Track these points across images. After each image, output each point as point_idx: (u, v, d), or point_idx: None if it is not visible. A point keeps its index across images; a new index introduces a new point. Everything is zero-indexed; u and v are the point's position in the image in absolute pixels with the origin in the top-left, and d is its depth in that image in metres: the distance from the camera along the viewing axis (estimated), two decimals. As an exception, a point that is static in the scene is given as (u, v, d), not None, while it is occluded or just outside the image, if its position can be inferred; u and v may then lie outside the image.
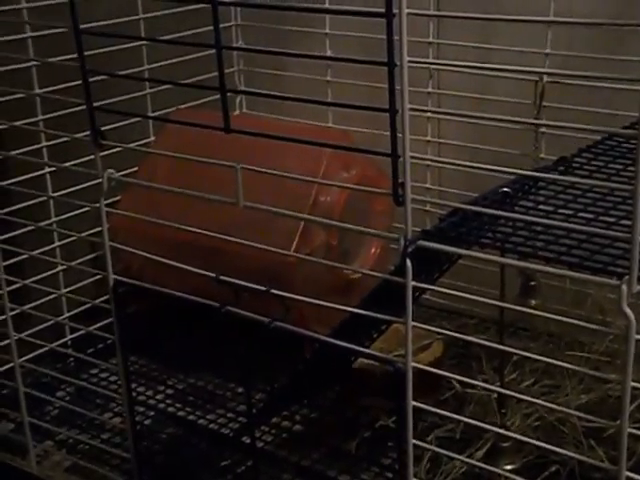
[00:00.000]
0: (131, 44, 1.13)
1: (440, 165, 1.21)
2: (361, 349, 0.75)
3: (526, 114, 1.11)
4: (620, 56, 1.03)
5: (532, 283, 1.12)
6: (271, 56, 1.23)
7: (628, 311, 0.59)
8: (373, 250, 1.20)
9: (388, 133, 0.65)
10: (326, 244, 1.10)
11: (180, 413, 1.08)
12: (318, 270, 1.09)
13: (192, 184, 0.89)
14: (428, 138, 1.22)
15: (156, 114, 1.23)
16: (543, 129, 1.12)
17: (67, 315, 1.15)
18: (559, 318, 0.63)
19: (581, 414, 0.67)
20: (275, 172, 0.78)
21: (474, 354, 1.09)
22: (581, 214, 0.72)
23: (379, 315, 0.71)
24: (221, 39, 0.72)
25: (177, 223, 0.89)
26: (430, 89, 1.21)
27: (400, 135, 0.65)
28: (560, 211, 0.73)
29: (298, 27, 1.25)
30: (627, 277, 0.59)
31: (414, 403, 0.70)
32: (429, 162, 1.09)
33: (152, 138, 1.26)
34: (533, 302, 1.12)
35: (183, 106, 1.22)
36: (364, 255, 1.19)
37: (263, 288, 0.78)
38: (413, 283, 0.68)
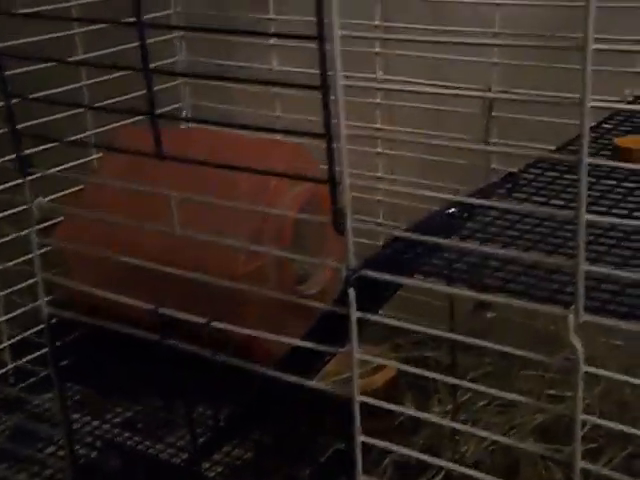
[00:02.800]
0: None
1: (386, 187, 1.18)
2: (306, 382, 0.72)
3: (479, 122, 1.09)
4: (570, 65, 1.01)
5: (487, 296, 1.10)
6: (218, 55, 1.21)
7: (576, 342, 0.57)
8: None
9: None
10: (277, 260, 1.07)
11: (128, 442, 1.04)
12: (269, 286, 1.06)
13: (143, 200, 0.85)
14: (378, 149, 1.20)
15: (97, 130, 1.20)
16: (494, 140, 1.10)
17: (6, 344, 1.10)
18: (507, 350, 0.61)
19: (533, 450, 0.65)
20: (216, 201, 0.75)
21: (429, 369, 1.06)
22: (528, 235, 0.70)
23: (322, 347, 0.69)
24: (148, 61, 0.68)
25: (125, 241, 0.86)
26: (379, 100, 1.18)
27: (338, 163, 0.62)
28: (508, 232, 0.71)
29: (242, 38, 1.22)
30: (573, 307, 0.56)
31: (363, 439, 0.68)
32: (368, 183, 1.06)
33: (95, 155, 1.22)
34: (488, 315, 1.10)
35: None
36: (319, 272, 1.16)
37: (203, 320, 0.75)
38: (357, 314, 0.65)
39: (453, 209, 0.74)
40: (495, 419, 0.93)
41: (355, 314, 0.65)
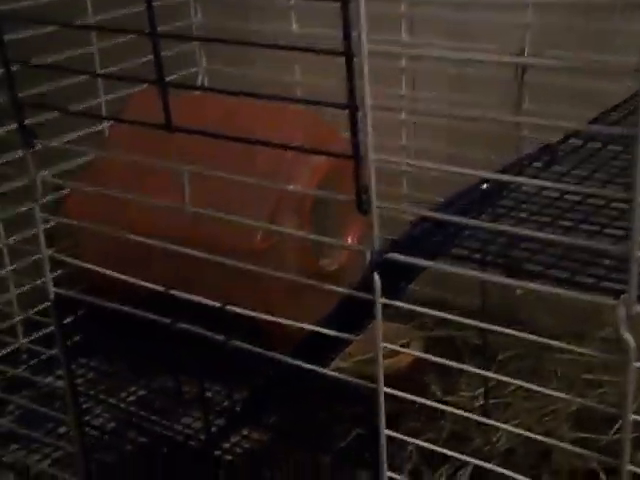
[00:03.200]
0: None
1: (408, 167, 1.12)
2: (325, 371, 0.67)
3: (509, 86, 1.02)
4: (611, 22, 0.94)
5: (517, 270, 1.05)
6: (235, 16, 1.15)
7: (627, 336, 0.51)
8: (350, 240, 1.12)
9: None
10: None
11: (143, 424, 1.00)
12: (290, 261, 1.02)
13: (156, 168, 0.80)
14: (402, 116, 1.14)
15: (109, 97, 1.15)
16: (525, 105, 1.03)
17: (18, 319, 1.06)
18: (543, 341, 0.55)
19: (569, 449, 0.60)
20: (231, 176, 0.70)
21: (457, 350, 1.02)
22: (569, 214, 0.64)
23: (343, 335, 0.64)
24: (155, 25, 0.63)
25: (139, 211, 0.81)
26: (403, 63, 1.12)
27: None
28: (545, 211, 0.65)
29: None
30: (625, 295, 0.51)
31: (387, 432, 0.63)
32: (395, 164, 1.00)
33: (106, 124, 1.17)
34: (518, 291, 1.04)
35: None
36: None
37: (218, 304, 0.70)
38: (382, 300, 0.60)
39: (485, 185, 0.68)
40: (527, 404, 0.88)
41: (380, 300, 0.60)
